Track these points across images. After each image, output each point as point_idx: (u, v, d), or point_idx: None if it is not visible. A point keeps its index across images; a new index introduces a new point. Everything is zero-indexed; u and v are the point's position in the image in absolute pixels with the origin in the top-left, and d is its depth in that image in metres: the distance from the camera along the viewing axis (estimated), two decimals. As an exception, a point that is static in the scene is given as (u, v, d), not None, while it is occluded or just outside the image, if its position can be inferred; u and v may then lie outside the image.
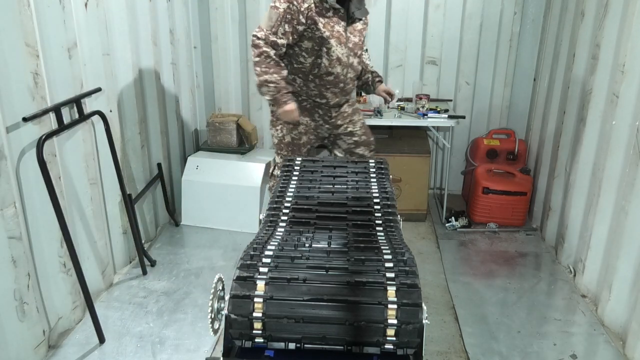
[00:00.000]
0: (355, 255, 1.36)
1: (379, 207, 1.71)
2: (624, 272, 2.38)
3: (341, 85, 2.64)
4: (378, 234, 1.54)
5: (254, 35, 2.46)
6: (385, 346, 1.22)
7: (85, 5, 2.41)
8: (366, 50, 2.94)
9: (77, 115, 2.36)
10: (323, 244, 1.45)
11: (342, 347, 1.24)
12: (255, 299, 1.22)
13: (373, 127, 3.06)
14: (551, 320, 2.58)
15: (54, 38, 2.19)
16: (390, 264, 1.32)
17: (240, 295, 1.23)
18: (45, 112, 2.09)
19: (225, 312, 1.23)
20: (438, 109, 3.52)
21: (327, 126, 2.78)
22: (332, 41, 2.51)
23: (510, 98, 3.95)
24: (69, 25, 2.26)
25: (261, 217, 1.74)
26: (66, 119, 2.27)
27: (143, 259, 2.94)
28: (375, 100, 3.54)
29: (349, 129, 2.82)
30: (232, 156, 3.63)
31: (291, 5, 2.40)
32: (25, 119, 1.98)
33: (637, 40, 2.35)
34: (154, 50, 3.17)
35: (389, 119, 3.45)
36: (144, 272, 2.92)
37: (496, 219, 3.58)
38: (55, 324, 2.31)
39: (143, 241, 3.15)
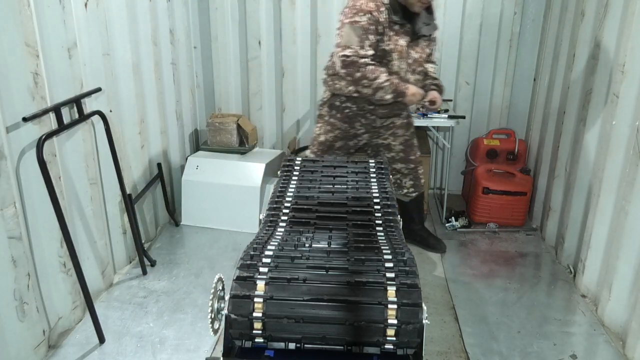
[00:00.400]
0: (355, 255, 1.36)
1: (379, 207, 1.71)
2: (624, 272, 2.38)
3: None
4: (378, 234, 1.54)
5: (344, 55, 2.40)
6: (385, 346, 1.22)
7: (85, 5, 2.41)
8: (434, 62, 2.91)
9: (77, 115, 2.36)
10: (323, 244, 1.45)
11: (342, 347, 1.24)
12: (255, 299, 1.22)
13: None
14: (551, 320, 2.58)
15: (54, 38, 2.18)
16: (390, 264, 1.32)
17: (240, 295, 1.23)
18: (45, 112, 2.09)
19: (225, 312, 1.23)
20: (438, 109, 3.51)
21: (366, 135, 2.76)
22: (394, 55, 2.50)
23: (510, 98, 3.94)
24: (69, 25, 2.26)
25: (261, 217, 1.74)
26: (66, 119, 2.27)
27: (143, 259, 2.94)
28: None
29: (387, 141, 2.81)
30: (232, 156, 3.63)
31: (371, 17, 2.39)
32: (25, 119, 1.98)
33: (637, 40, 2.34)
34: (154, 50, 3.17)
35: (389, 119, 3.44)
36: (144, 272, 2.92)
37: (496, 219, 3.58)
38: (55, 324, 2.31)
39: (143, 241, 3.15)
